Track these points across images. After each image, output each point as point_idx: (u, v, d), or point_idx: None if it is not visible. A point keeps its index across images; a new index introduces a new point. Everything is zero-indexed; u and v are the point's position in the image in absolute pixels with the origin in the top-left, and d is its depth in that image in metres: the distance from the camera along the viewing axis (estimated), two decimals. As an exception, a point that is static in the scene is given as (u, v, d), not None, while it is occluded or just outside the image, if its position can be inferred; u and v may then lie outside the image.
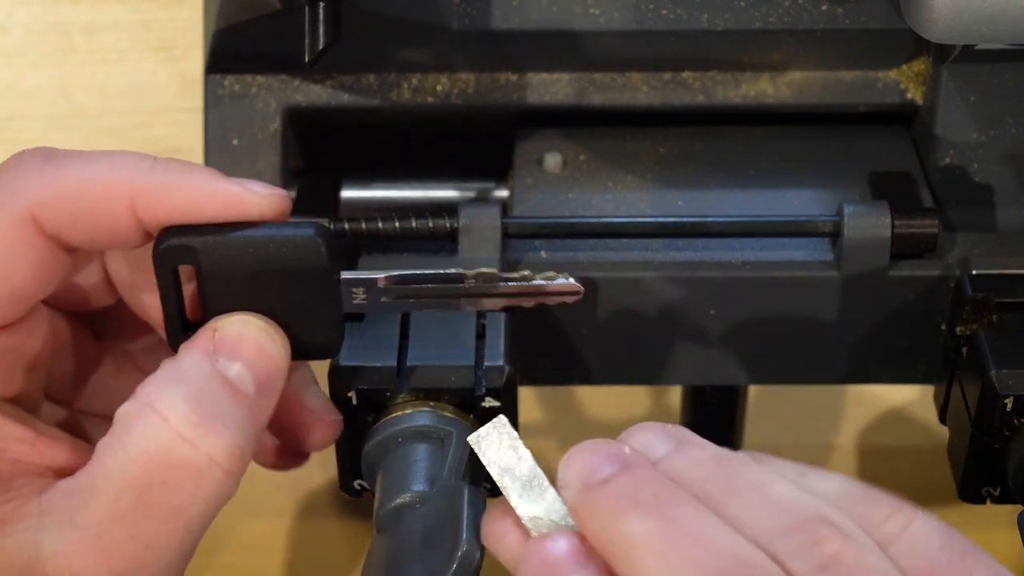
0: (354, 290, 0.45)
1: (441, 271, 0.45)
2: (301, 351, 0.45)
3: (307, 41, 0.50)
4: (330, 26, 0.50)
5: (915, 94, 0.58)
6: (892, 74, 0.59)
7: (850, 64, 0.58)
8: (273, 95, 0.58)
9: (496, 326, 0.50)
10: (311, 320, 0.44)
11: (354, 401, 0.49)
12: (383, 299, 0.45)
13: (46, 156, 0.43)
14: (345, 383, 0.49)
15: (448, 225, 0.54)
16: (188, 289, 0.44)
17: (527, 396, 0.76)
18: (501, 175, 0.60)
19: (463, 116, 0.59)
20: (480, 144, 0.61)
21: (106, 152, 0.43)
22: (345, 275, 0.44)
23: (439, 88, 0.59)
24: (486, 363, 0.49)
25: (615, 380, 0.57)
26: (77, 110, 0.67)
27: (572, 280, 0.45)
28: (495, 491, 0.51)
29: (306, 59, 0.50)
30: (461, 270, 0.45)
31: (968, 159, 0.57)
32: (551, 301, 0.46)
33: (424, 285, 0.45)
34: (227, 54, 0.57)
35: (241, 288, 0.43)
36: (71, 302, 0.47)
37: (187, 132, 0.67)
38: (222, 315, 0.44)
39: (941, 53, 0.56)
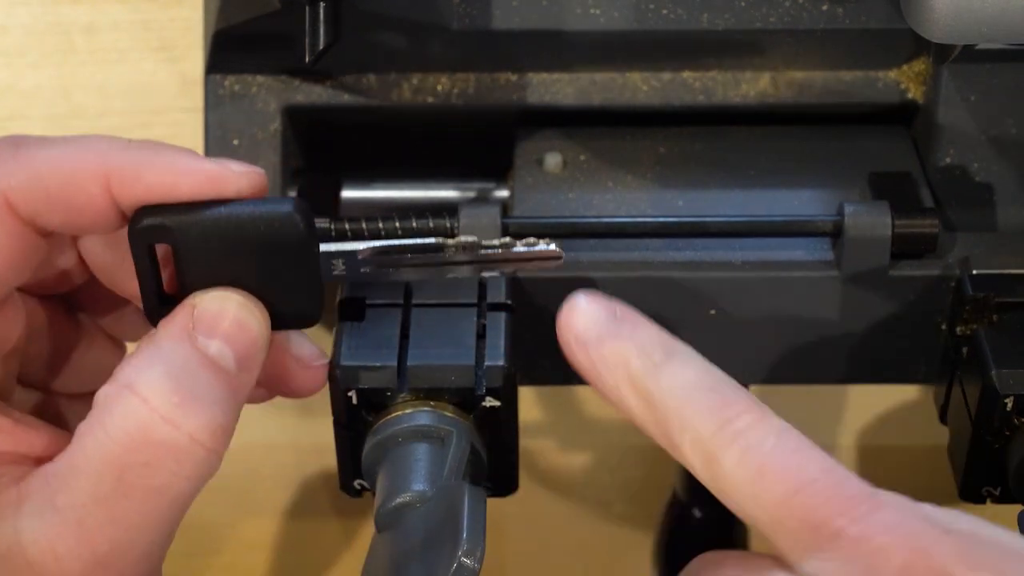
0: (333, 262, 0.44)
1: (420, 240, 0.45)
2: (281, 321, 0.44)
3: (307, 41, 0.50)
4: (330, 26, 0.50)
5: (915, 94, 0.58)
6: (892, 74, 0.59)
7: (850, 64, 0.58)
8: (273, 95, 0.58)
9: (496, 326, 0.50)
10: (291, 292, 0.44)
11: (354, 401, 0.48)
12: (363, 269, 0.45)
13: (17, 142, 0.42)
14: (346, 382, 0.48)
15: (448, 225, 0.54)
16: (165, 264, 0.44)
17: (527, 396, 0.76)
18: (501, 175, 0.60)
19: (463, 116, 0.59)
20: (480, 144, 0.60)
21: (79, 136, 0.43)
22: (324, 247, 0.44)
23: (439, 88, 0.59)
24: (486, 363, 0.49)
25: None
26: (77, 110, 0.67)
27: (553, 246, 0.44)
28: (495, 491, 0.51)
29: (306, 59, 0.50)
30: (441, 239, 0.45)
31: (968, 159, 0.57)
32: (532, 267, 0.45)
33: (404, 255, 0.45)
34: (227, 54, 0.57)
35: (219, 264, 0.43)
36: (44, 285, 0.47)
37: (187, 132, 0.67)
38: (200, 291, 0.43)
39: (941, 53, 0.56)
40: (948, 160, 0.57)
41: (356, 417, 0.49)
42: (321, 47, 0.50)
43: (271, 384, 0.47)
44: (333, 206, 0.58)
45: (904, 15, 0.50)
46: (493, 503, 0.47)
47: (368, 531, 0.47)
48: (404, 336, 0.50)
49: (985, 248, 0.55)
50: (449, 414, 0.48)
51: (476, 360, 0.49)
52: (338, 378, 0.48)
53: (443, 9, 0.56)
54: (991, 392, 0.50)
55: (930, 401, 0.57)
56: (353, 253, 0.44)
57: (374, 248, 0.44)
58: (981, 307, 0.52)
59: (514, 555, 0.84)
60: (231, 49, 0.57)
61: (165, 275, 0.44)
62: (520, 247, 0.44)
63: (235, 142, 0.58)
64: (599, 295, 0.43)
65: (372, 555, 0.46)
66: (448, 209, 0.54)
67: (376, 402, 0.49)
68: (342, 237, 0.54)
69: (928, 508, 0.39)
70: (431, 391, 0.48)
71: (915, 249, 0.54)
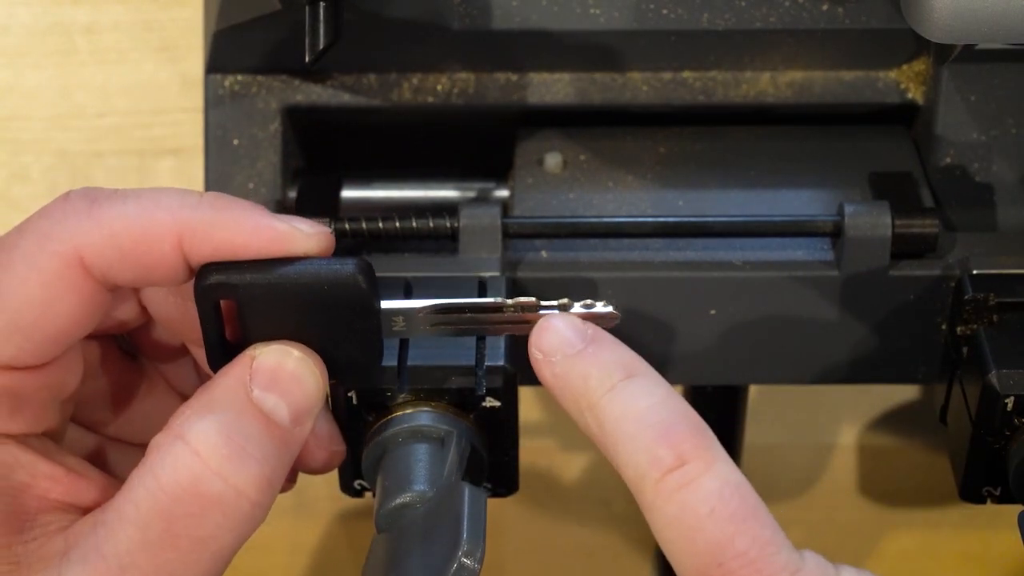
0: (394, 319, 0.45)
1: (480, 300, 0.45)
2: (340, 375, 0.45)
3: (307, 41, 0.50)
4: (330, 26, 0.50)
5: (915, 94, 0.58)
6: (892, 74, 0.59)
7: (850, 64, 0.58)
8: (273, 95, 0.58)
9: (496, 326, 0.50)
10: (351, 347, 0.44)
11: (354, 401, 0.48)
12: (423, 327, 0.45)
13: (92, 197, 0.42)
14: (345, 384, 0.48)
15: (448, 225, 0.54)
16: (228, 317, 0.44)
17: (527, 396, 0.76)
18: (501, 175, 0.60)
19: (463, 116, 0.59)
20: (480, 144, 0.60)
21: (152, 190, 0.43)
22: (386, 305, 0.44)
23: (439, 88, 0.59)
24: (486, 363, 0.49)
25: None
26: (78, 110, 0.67)
27: (611, 308, 0.44)
28: (495, 491, 0.51)
29: (306, 59, 0.50)
30: (500, 299, 0.45)
31: (969, 159, 0.57)
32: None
33: (463, 314, 0.45)
34: (228, 54, 0.57)
35: (281, 318, 0.43)
36: (103, 328, 0.47)
37: (188, 132, 0.67)
38: (261, 343, 0.44)
39: (941, 53, 0.56)
40: (948, 160, 0.57)
41: (356, 417, 0.49)
42: (321, 47, 0.50)
43: None
44: (333, 206, 0.58)
45: (904, 15, 0.50)
46: (493, 503, 0.47)
47: (368, 531, 0.47)
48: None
49: (985, 248, 0.55)
50: (449, 414, 0.48)
51: (476, 360, 0.49)
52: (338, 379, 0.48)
53: (443, 9, 0.56)
54: (991, 392, 0.50)
55: (930, 401, 0.57)
56: (413, 311, 0.45)
57: (434, 306, 0.45)
58: (981, 307, 0.52)
59: (514, 555, 0.84)
60: (231, 49, 0.57)
61: (228, 327, 0.44)
62: (578, 308, 0.44)
63: (235, 142, 0.58)
64: (575, 318, 0.43)
65: (372, 556, 0.46)
66: (448, 209, 0.54)
67: (376, 402, 0.49)
68: (342, 237, 0.54)
69: None
70: (431, 391, 0.48)
71: (915, 249, 0.54)
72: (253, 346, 0.44)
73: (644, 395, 0.42)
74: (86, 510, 0.43)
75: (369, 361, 0.45)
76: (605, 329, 0.44)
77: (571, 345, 0.43)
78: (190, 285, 0.43)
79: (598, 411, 0.42)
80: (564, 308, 0.45)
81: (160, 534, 0.40)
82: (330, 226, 0.54)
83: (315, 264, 0.43)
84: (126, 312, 0.47)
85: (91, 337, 0.46)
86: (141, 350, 0.49)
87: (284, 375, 0.43)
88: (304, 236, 0.43)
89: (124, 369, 0.49)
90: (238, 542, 0.42)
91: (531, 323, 0.45)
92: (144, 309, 0.47)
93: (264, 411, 0.42)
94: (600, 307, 0.45)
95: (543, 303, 0.45)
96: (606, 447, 0.42)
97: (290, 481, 0.49)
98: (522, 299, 0.45)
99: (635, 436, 0.41)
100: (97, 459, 0.47)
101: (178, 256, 0.42)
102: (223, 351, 0.44)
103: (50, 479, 0.43)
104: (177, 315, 0.46)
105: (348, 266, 0.43)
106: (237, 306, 0.43)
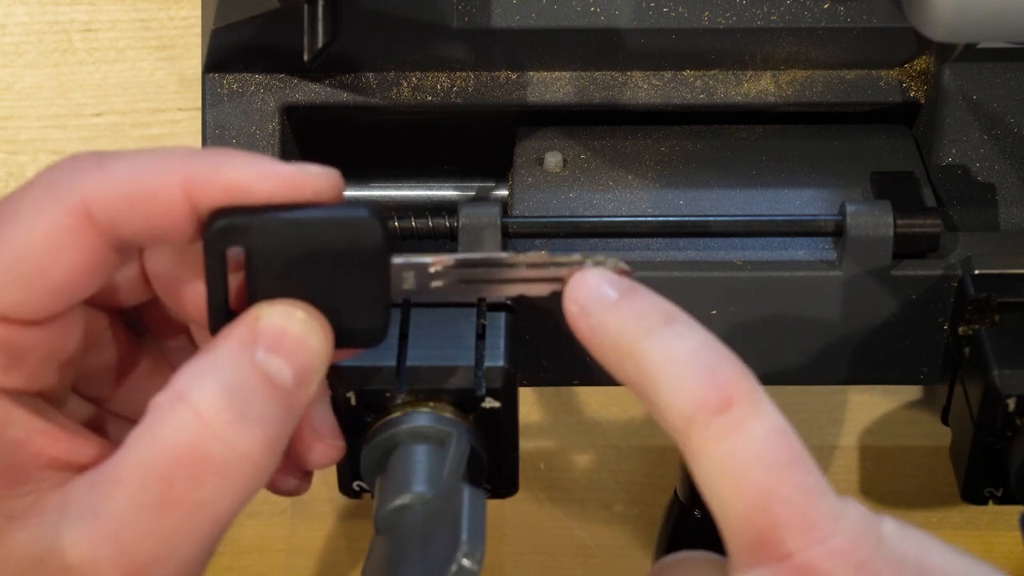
0: (404, 274, 0.44)
1: (491, 255, 0.44)
2: (345, 339, 0.44)
3: (306, 40, 0.50)
4: (329, 24, 0.50)
5: (917, 93, 0.58)
6: (894, 73, 0.58)
7: (852, 63, 0.58)
8: (272, 94, 0.58)
9: (496, 326, 0.50)
10: (357, 307, 0.43)
11: (353, 401, 0.48)
12: (433, 284, 0.44)
13: (101, 155, 0.42)
14: (345, 384, 0.48)
15: (448, 224, 0.54)
16: (233, 279, 0.43)
17: (527, 396, 0.76)
18: (501, 174, 0.60)
19: (463, 115, 0.59)
20: (480, 143, 0.60)
21: (162, 147, 0.43)
22: (396, 259, 0.43)
23: (439, 87, 0.58)
24: (486, 363, 0.49)
25: (615, 380, 0.57)
26: (76, 109, 0.67)
27: (623, 264, 0.43)
28: (495, 492, 0.51)
29: (305, 58, 0.50)
30: (512, 254, 0.44)
31: (970, 158, 0.57)
32: None
33: (474, 269, 0.44)
34: (226, 53, 0.57)
35: (289, 273, 0.42)
36: (108, 298, 0.46)
37: (186, 131, 0.67)
38: (265, 302, 0.43)
39: (943, 52, 0.56)
40: (950, 159, 0.57)
41: (355, 418, 0.49)
42: (320, 46, 0.50)
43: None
44: (332, 206, 0.58)
45: (906, 14, 0.50)
46: (493, 504, 0.47)
47: (368, 533, 0.47)
48: (403, 336, 0.50)
49: (987, 248, 0.55)
50: (448, 415, 0.48)
51: (476, 361, 0.49)
52: (337, 379, 0.48)
53: (443, 7, 0.55)
54: (993, 392, 0.50)
55: (932, 401, 0.57)
56: (425, 265, 0.44)
57: (445, 260, 0.44)
58: (983, 307, 0.52)
59: (514, 555, 0.84)
60: (229, 48, 0.57)
61: (233, 287, 0.43)
62: (590, 264, 0.43)
63: (233, 141, 0.58)
64: (609, 272, 0.43)
65: (371, 557, 0.46)
66: (448, 208, 0.54)
67: (375, 403, 0.48)
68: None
69: (888, 528, 0.39)
70: (430, 392, 0.48)
71: (917, 249, 0.54)
72: (257, 305, 0.43)
73: (686, 337, 0.41)
74: (82, 469, 0.42)
75: (375, 327, 0.44)
76: None
77: (607, 296, 0.42)
78: (196, 256, 0.43)
79: (638, 355, 0.41)
80: (577, 264, 0.43)
81: (157, 496, 0.40)
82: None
83: (328, 209, 0.42)
84: (130, 282, 0.46)
85: (98, 309, 0.46)
86: (147, 327, 0.49)
87: (288, 337, 0.42)
88: (313, 177, 0.42)
89: (129, 345, 0.48)
90: (237, 506, 0.41)
91: (540, 281, 0.44)
92: (149, 285, 0.46)
93: (267, 373, 0.41)
94: (611, 263, 0.43)
95: (555, 260, 0.44)
96: (646, 392, 0.41)
97: (304, 481, 0.48)
98: (532, 254, 0.44)
99: (679, 377, 0.40)
100: (97, 431, 0.47)
101: (186, 204, 0.42)
102: (225, 313, 0.43)
103: (45, 436, 0.42)
104: (180, 286, 0.45)
105: (361, 211, 0.42)
106: (246, 257, 0.42)
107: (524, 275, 0.44)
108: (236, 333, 0.42)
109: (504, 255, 0.44)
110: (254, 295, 0.43)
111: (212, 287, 0.43)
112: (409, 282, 0.44)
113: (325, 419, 0.47)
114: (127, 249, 0.44)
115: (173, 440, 0.40)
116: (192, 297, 0.44)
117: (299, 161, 0.50)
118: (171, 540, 0.40)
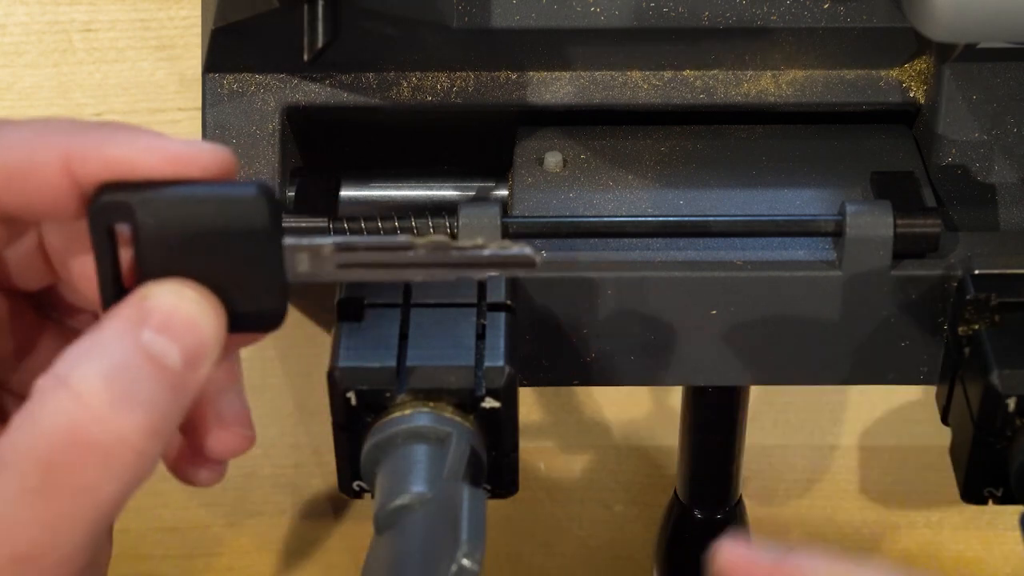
0: (298, 256, 0.42)
1: (390, 239, 0.42)
2: (241, 322, 0.42)
3: (306, 40, 0.50)
4: (329, 24, 0.50)
5: (917, 93, 0.58)
6: (894, 73, 0.58)
7: (852, 63, 0.58)
8: (272, 94, 0.58)
9: (496, 326, 0.50)
10: (253, 288, 0.42)
11: (353, 401, 0.48)
12: (329, 268, 0.42)
13: None
14: (344, 383, 0.48)
15: (448, 224, 0.54)
16: (125, 255, 0.42)
17: (527, 396, 0.76)
18: (501, 174, 0.60)
19: (463, 115, 0.59)
20: (480, 143, 0.60)
21: (44, 118, 0.41)
22: (288, 241, 0.41)
23: (439, 87, 0.58)
24: (486, 363, 0.49)
25: (615, 380, 0.57)
26: (75, 109, 0.67)
27: (528, 250, 0.41)
28: (495, 492, 0.51)
29: (305, 58, 0.50)
30: (411, 238, 0.42)
31: (970, 158, 0.57)
32: (505, 273, 0.43)
33: (372, 252, 0.42)
34: (226, 53, 0.57)
35: (178, 251, 0.41)
36: (6, 279, 0.45)
37: (186, 131, 0.67)
38: (154, 281, 0.41)
39: (943, 52, 0.56)
40: (950, 159, 0.57)
41: (355, 418, 0.49)
42: (320, 46, 0.50)
43: (188, 433, 0.45)
44: (332, 206, 0.58)
45: (906, 14, 0.50)
46: (493, 504, 0.47)
47: (368, 533, 0.47)
48: (403, 336, 0.50)
49: (987, 248, 0.55)
50: (448, 415, 0.48)
51: (476, 361, 0.49)
52: (337, 379, 0.48)
53: (442, 7, 0.55)
54: (993, 392, 0.50)
55: (932, 401, 0.57)
56: (318, 248, 0.42)
57: (338, 243, 0.42)
58: (983, 307, 0.52)
59: (514, 555, 0.84)
60: (230, 48, 0.57)
61: (126, 264, 0.42)
62: (492, 249, 0.41)
63: (233, 141, 0.58)
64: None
65: (371, 557, 0.46)
66: (448, 209, 0.54)
67: (375, 403, 0.48)
68: (340, 236, 0.53)
69: None
70: (430, 392, 0.48)
71: (917, 249, 0.54)
72: (145, 284, 0.41)
73: None
74: None
75: (272, 310, 0.42)
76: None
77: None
78: (88, 233, 0.41)
79: None
80: (477, 248, 0.41)
81: (38, 482, 0.38)
82: (328, 226, 0.53)
83: (217, 185, 0.41)
84: (25, 255, 0.45)
85: (1, 293, 0.45)
86: (57, 310, 0.48)
87: (177, 317, 0.41)
88: (201, 154, 0.41)
89: (35, 328, 0.47)
90: (123, 493, 0.40)
91: (444, 266, 0.42)
92: (51, 266, 0.45)
93: (153, 355, 0.40)
94: (516, 249, 0.41)
95: (455, 244, 0.41)
96: None
97: (216, 472, 0.46)
98: (434, 238, 0.42)
99: None
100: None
101: (66, 178, 0.40)
102: (116, 292, 0.42)
103: None
104: (76, 268, 0.44)
105: (250, 188, 0.41)
106: (133, 235, 0.41)
107: (426, 259, 0.42)
108: (123, 312, 0.41)
109: (403, 239, 0.42)
110: (143, 274, 0.41)
111: (101, 264, 0.42)
112: (304, 264, 0.42)
113: (232, 407, 0.45)
114: (14, 224, 0.42)
115: (53, 423, 0.39)
116: (88, 276, 0.43)
117: (299, 157, 0.49)
118: (54, 527, 0.39)
